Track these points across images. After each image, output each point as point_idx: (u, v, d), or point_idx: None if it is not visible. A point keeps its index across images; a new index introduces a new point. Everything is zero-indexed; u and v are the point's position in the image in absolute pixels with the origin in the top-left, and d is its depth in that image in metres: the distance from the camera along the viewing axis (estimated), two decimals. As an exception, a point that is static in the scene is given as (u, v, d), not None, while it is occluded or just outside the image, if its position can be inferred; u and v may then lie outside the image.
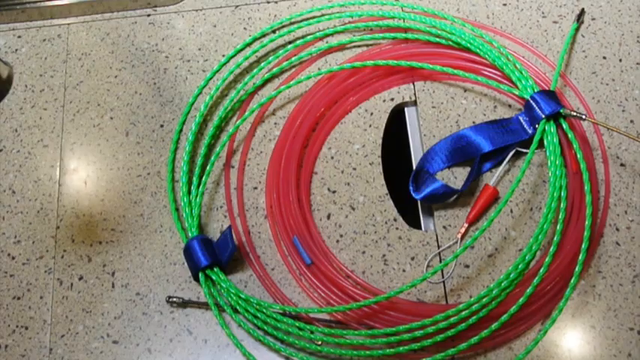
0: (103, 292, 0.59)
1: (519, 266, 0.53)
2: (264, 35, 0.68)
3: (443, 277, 0.56)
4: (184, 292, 0.58)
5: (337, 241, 0.59)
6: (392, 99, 0.64)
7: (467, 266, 0.57)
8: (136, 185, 0.63)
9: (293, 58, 0.66)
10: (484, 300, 0.52)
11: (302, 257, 0.57)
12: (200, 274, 0.57)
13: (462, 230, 0.58)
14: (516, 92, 0.60)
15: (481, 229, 0.53)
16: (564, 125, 0.58)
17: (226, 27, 0.69)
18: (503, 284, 0.52)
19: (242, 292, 0.56)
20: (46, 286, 0.59)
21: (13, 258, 0.61)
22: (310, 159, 0.62)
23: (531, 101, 0.58)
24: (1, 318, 0.59)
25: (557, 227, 0.54)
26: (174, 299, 0.57)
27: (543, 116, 0.57)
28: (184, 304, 0.57)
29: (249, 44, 0.68)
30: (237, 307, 0.56)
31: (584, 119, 0.58)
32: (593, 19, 0.66)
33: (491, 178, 0.60)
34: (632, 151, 0.60)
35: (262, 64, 0.66)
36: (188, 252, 0.57)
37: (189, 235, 0.59)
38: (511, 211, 0.59)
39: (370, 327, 0.54)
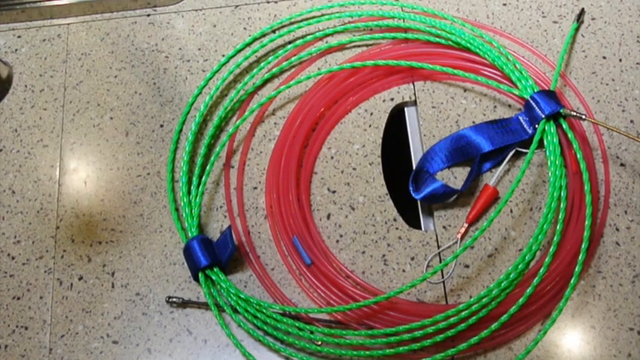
0: (103, 292, 0.59)
1: (519, 266, 0.53)
2: (263, 35, 0.68)
3: (443, 277, 0.56)
4: (184, 292, 0.58)
5: (337, 241, 0.59)
6: (392, 99, 0.64)
7: (467, 266, 0.57)
8: (136, 185, 0.63)
9: (293, 58, 0.66)
10: (484, 300, 0.52)
11: (302, 257, 0.57)
12: (200, 274, 0.57)
13: (462, 230, 0.58)
14: (516, 92, 0.60)
15: (481, 229, 0.53)
16: (564, 125, 0.58)
17: (226, 27, 0.69)
18: (503, 284, 0.52)
19: (242, 292, 0.56)
20: (46, 286, 0.59)
21: (13, 258, 0.61)
22: (310, 159, 0.62)
23: (531, 101, 0.58)
24: (1, 318, 0.59)
25: (557, 227, 0.54)
26: (174, 299, 0.57)
27: (543, 116, 0.57)
28: (184, 304, 0.57)
29: (249, 44, 0.67)
30: (237, 307, 0.56)
31: (584, 119, 0.58)
32: (593, 19, 0.66)
33: (491, 178, 0.60)
34: (632, 151, 0.60)
35: (262, 64, 0.66)
36: (188, 252, 0.57)
37: (189, 235, 0.59)
38: (511, 211, 0.58)
39: (370, 327, 0.54)
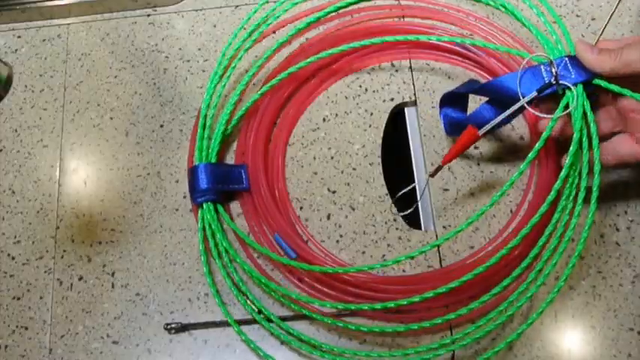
0: (103, 292, 0.59)
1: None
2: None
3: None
4: (184, 292, 0.58)
5: (337, 242, 0.59)
6: (392, 99, 0.64)
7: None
8: (136, 185, 0.63)
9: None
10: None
11: (286, 253, 0.57)
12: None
13: (432, 170, 0.55)
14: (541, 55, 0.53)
15: (468, 221, 0.53)
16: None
17: (226, 27, 0.69)
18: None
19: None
20: (46, 286, 0.59)
21: (13, 258, 0.61)
22: (282, 138, 0.63)
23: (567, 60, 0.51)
24: (1, 318, 0.59)
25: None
26: (173, 325, 0.56)
27: (572, 82, 0.50)
28: (183, 327, 0.57)
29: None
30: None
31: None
32: (593, 19, 0.66)
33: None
34: (632, 151, 0.60)
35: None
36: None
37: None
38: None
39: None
